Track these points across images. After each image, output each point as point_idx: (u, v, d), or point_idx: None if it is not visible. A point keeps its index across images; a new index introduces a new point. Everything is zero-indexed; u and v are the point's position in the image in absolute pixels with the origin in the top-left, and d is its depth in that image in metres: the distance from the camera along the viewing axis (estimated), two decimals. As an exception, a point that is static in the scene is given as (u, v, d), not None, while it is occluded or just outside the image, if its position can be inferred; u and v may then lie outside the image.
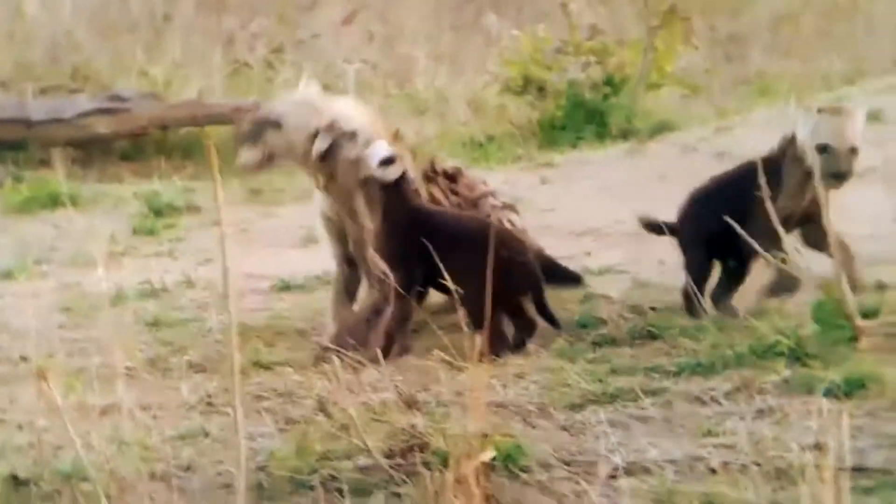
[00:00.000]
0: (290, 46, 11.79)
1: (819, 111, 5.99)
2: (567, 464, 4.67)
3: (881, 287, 5.97)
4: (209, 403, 5.48)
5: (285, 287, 6.97)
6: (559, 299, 6.22)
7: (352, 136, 5.91)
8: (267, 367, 5.83)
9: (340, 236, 6.13)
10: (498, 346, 5.55)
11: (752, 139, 8.30)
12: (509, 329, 5.73)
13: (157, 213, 8.51)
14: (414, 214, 5.73)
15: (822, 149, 5.89)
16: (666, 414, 4.97)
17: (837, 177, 5.88)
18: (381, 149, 5.80)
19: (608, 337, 5.82)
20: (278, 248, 7.72)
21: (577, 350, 5.69)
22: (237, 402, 4.28)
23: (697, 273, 5.95)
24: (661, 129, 8.93)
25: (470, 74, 11.02)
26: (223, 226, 4.17)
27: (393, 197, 5.74)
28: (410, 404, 5.22)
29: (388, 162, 5.77)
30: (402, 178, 5.78)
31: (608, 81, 9.15)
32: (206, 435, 5.19)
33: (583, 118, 9.03)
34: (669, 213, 6.14)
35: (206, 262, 7.33)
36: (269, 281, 7.03)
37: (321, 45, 11.92)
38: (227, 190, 8.30)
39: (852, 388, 5.04)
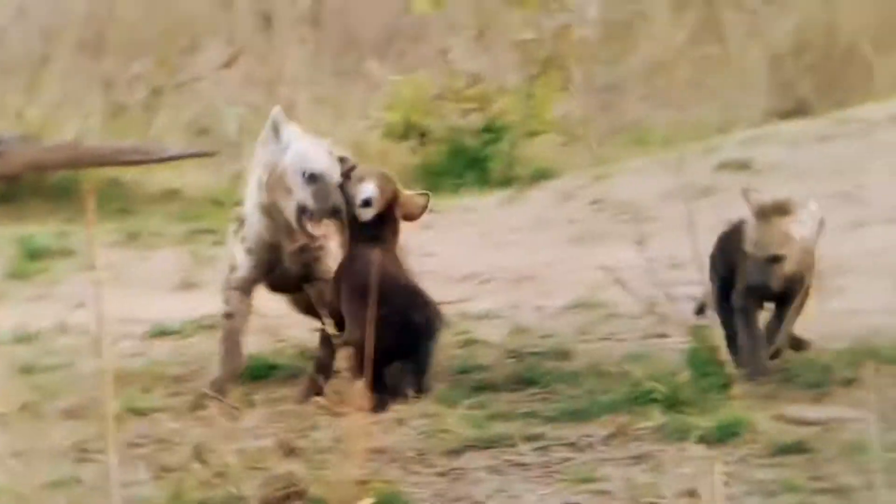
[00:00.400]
0: (170, 89, 11.71)
1: (760, 211, 5.67)
2: (445, 510, 4.68)
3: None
4: (83, 450, 5.39)
5: (161, 332, 6.90)
6: (439, 345, 6.24)
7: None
8: (142, 414, 5.76)
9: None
10: (377, 404, 5.46)
11: (629, 187, 8.44)
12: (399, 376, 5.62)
13: (32, 256, 8.38)
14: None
15: (744, 256, 5.68)
16: (543, 460, 5.01)
17: (751, 290, 5.75)
18: (368, 188, 5.69)
19: (487, 382, 5.85)
20: (155, 292, 7.64)
21: (457, 395, 5.71)
22: (111, 449, 4.22)
23: (722, 322, 5.66)
24: (540, 176, 9.03)
25: (352, 119, 11.05)
26: (98, 270, 4.14)
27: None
28: (289, 451, 5.19)
29: (367, 203, 5.68)
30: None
31: (488, 128, 9.23)
32: (80, 482, 5.11)
33: (464, 164, 9.10)
34: (547, 259, 6.20)
35: (81, 307, 7.23)
36: (144, 325, 6.96)
37: (202, 88, 11.87)
38: (102, 233, 8.25)
39: (725, 435, 5.11)
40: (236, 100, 11.64)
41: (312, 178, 5.70)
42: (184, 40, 12.84)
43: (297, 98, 11.52)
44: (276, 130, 5.78)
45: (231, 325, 5.88)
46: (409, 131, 9.34)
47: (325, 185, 5.69)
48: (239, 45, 12.66)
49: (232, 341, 5.87)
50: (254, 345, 6.36)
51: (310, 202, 5.66)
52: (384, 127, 9.44)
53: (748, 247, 5.62)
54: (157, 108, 11.45)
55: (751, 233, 5.63)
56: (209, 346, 6.58)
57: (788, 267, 5.59)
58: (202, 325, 6.85)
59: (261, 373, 6.14)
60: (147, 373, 6.26)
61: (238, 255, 5.90)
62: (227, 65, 12.30)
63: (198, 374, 6.23)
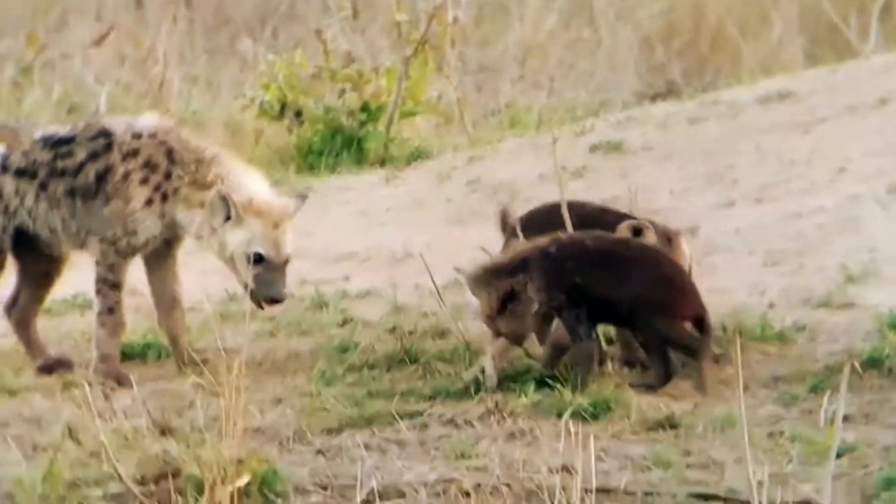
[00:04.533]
0: (39, 67, 11.51)
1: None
2: (323, 488, 4.69)
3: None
4: (-47, 430, 5.31)
5: (33, 311, 6.77)
6: (319, 324, 6.25)
7: None
8: (13, 393, 5.68)
9: None
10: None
11: (503, 168, 8.50)
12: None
13: None
14: None
15: None
16: (421, 437, 5.04)
17: None
18: None
19: (366, 361, 5.86)
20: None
21: (335, 374, 5.72)
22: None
23: None
24: (416, 156, 9.04)
25: (226, 98, 10.95)
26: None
27: None
28: (164, 430, 5.16)
29: None
30: None
31: (364, 108, 9.22)
32: (-49, 462, 5.03)
33: (340, 144, 9.08)
34: (425, 239, 6.23)
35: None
36: (16, 305, 6.83)
37: (71, 66, 11.68)
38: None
39: (599, 411, 5.20)
40: (107, 78, 11.47)
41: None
42: (53, 18, 12.62)
43: (170, 76, 11.39)
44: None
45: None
46: (284, 110, 9.29)
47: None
48: (109, 23, 12.47)
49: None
50: (128, 324, 6.31)
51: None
52: (259, 106, 9.37)
53: None
54: (26, 86, 11.24)
55: None
56: (81, 325, 6.51)
57: None
58: (74, 304, 6.76)
59: (135, 352, 6.09)
60: (18, 352, 6.17)
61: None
62: (98, 42, 12.12)
63: (69, 353, 6.16)
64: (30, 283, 6.12)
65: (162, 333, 6.05)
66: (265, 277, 5.69)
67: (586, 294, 5.43)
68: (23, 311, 6.12)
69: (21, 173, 5.96)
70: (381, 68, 9.55)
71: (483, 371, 5.54)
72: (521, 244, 5.65)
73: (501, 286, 5.48)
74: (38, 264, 6.08)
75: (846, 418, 4.87)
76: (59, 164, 5.91)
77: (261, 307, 5.77)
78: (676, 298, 5.46)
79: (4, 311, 6.15)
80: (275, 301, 5.73)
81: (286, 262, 5.74)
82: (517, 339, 5.57)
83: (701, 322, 5.45)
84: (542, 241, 5.54)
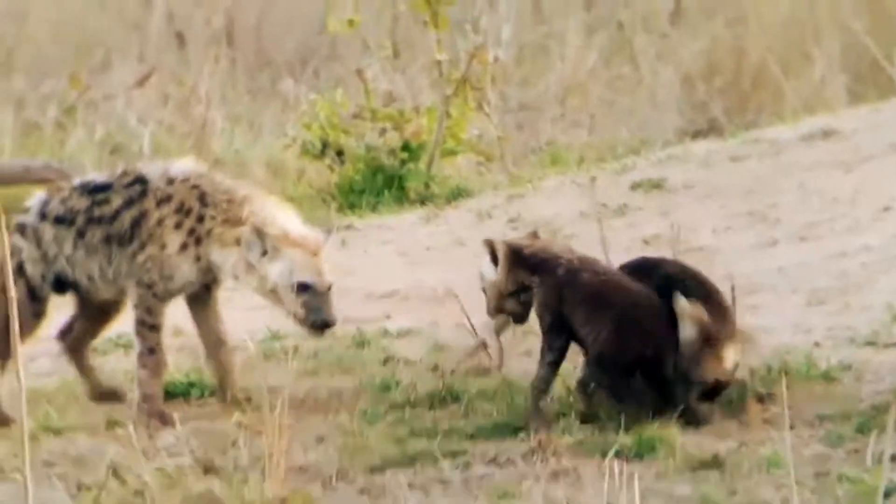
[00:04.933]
0: (82, 107, 11.60)
1: None
2: (366, 527, 4.68)
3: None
4: (-2, 469, 5.33)
5: (76, 350, 6.80)
6: (360, 362, 6.25)
7: None
8: (58, 433, 5.70)
9: None
10: None
11: (544, 206, 8.50)
12: None
13: (-58, 274, 8.24)
14: None
15: None
16: (464, 476, 5.02)
17: None
18: None
19: (408, 399, 5.85)
20: (70, 310, 7.54)
21: (377, 413, 5.71)
22: (27, 467, 4.18)
23: None
24: (457, 195, 9.05)
25: (268, 137, 11.02)
26: (12, 289, 4.10)
27: None
28: (207, 469, 5.16)
29: None
30: None
31: (405, 147, 9.26)
32: (-5, 502, 5.05)
33: (381, 183, 9.11)
34: (465, 277, 6.22)
35: (-6, 325, 7.12)
36: (59, 344, 6.86)
37: (114, 107, 11.77)
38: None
39: (643, 451, 5.16)
40: (150, 118, 11.56)
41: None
42: (95, 59, 12.74)
43: (213, 116, 11.47)
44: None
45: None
46: (326, 149, 9.33)
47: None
48: (152, 64, 12.58)
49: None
50: (171, 363, 6.32)
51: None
52: (301, 145, 9.42)
53: None
54: (69, 126, 11.34)
55: None
56: (124, 365, 6.53)
57: None
58: (118, 343, 6.78)
59: (178, 390, 6.10)
60: (62, 391, 6.19)
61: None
62: (140, 83, 12.22)
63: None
64: (86, 316, 6.17)
65: (208, 372, 6.07)
66: (313, 304, 5.71)
67: (567, 326, 5.46)
68: (76, 339, 6.16)
69: (59, 221, 6.01)
70: (421, 107, 9.59)
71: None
72: (556, 243, 5.72)
73: (520, 276, 5.53)
74: (94, 302, 6.12)
75: (894, 458, 4.82)
76: (96, 211, 5.96)
77: (317, 333, 5.76)
78: (627, 348, 5.42)
79: (58, 337, 6.19)
80: (327, 325, 5.74)
81: (329, 287, 5.76)
82: (519, 319, 5.66)
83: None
84: (567, 253, 5.58)
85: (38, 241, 6.02)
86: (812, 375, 5.69)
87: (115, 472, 5.11)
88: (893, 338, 6.06)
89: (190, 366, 6.31)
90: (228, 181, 5.99)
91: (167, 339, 6.75)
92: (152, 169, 6.01)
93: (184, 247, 5.86)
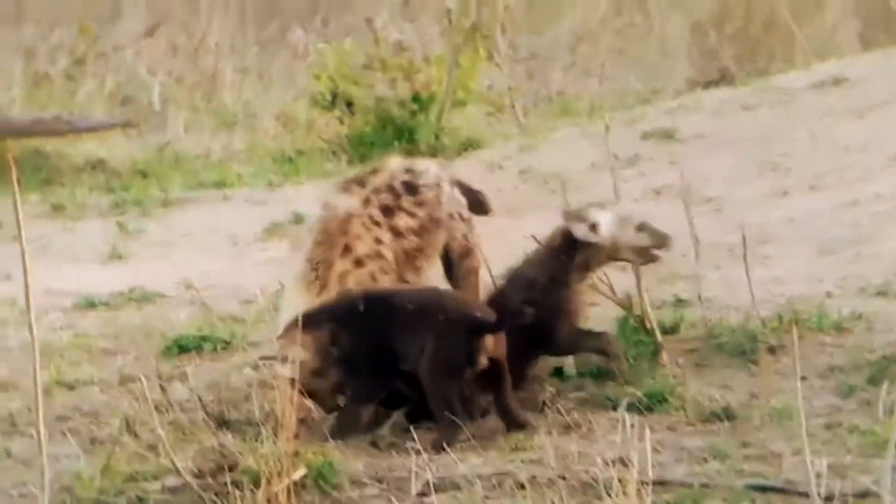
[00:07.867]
0: (91, 58, 11.58)
1: None
2: (379, 481, 4.70)
3: (680, 303, 6.13)
4: (11, 423, 5.36)
5: (89, 304, 6.83)
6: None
7: None
8: (71, 387, 5.73)
9: None
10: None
11: (555, 157, 8.47)
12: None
13: (-46, 228, 8.26)
14: None
15: None
16: (475, 429, 5.03)
17: None
18: None
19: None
20: (81, 263, 7.57)
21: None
22: (40, 422, 4.20)
23: None
24: (467, 146, 9.04)
25: (278, 88, 10.99)
26: (23, 241, 4.10)
27: None
28: (220, 423, 5.19)
29: None
30: None
31: (415, 98, 9.22)
32: (9, 455, 5.08)
33: (391, 134, 9.08)
34: (477, 229, 6.21)
35: (6, 279, 7.15)
36: (72, 298, 6.89)
37: (124, 58, 11.74)
38: (27, 204, 8.14)
39: (654, 403, 5.17)
40: (159, 69, 11.53)
41: None
42: (105, 9, 12.70)
43: (222, 67, 11.44)
44: None
45: None
46: (336, 101, 9.30)
47: None
48: (160, 15, 12.54)
49: None
50: (185, 317, 6.35)
51: None
52: (311, 96, 9.39)
53: None
54: (78, 77, 11.32)
55: None
56: (137, 319, 6.56)
57: None
58: (130, 298, 6.81)
59: (190, 345, 6.12)
60: (75, 345, 6.22)
61: None
62: (150, 34, 12.18)
63: (126, 347, 6.20)
64: None
65: (219, 326, 6.08)
66: None
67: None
68: None
69: None
70: (431, 57, 9.55)
71: None
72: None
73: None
74: None
75: (905, 409, 4.83)
76: None
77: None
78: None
79: None
80: None
81: None
82: None
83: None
84: None
85: None
86: (823, 326, 5.69)
87: (128, 426, 5.14)
88: (905, 288, 6.05)
89: (202, 320, 6.33)
90: None
91: (178, 292, 6.79)
92: None
93: None
